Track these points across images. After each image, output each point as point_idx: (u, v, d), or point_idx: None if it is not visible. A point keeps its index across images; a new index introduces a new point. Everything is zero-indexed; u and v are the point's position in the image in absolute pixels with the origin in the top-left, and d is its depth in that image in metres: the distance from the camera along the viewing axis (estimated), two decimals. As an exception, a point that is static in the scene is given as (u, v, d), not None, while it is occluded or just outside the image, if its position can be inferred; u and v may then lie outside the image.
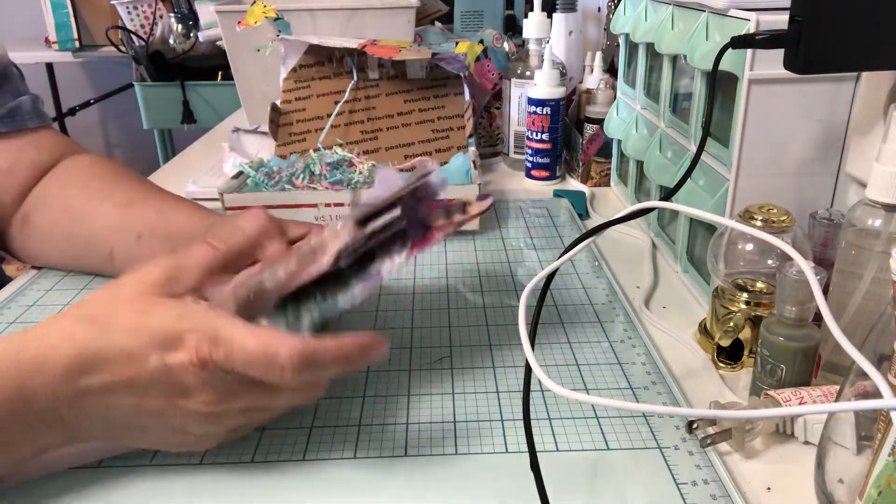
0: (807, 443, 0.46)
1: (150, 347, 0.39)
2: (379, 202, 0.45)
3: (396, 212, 0.45)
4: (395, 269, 0.46)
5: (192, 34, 2.04)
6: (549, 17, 1.00)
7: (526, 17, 0.97)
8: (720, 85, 0.57)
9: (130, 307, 0.41)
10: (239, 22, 0.92)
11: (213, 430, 0.43)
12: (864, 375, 0.33)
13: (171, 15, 2.06)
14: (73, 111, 2.46)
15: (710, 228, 0.62)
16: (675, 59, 0.69)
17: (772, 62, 0.52)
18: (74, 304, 0.42)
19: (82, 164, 0.71)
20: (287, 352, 0.39)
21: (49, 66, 2.50)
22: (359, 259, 0.45)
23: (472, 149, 0.89)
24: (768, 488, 0.43)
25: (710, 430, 0.45)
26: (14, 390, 0.38)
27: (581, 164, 0.95)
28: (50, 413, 0.39)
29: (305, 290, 0.45)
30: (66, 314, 0.41)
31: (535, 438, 0.44)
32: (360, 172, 0.83)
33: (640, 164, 0.81)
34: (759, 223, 0.51)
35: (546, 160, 0.94)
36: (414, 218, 0.47)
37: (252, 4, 0.92)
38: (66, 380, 0.39)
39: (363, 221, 0.45)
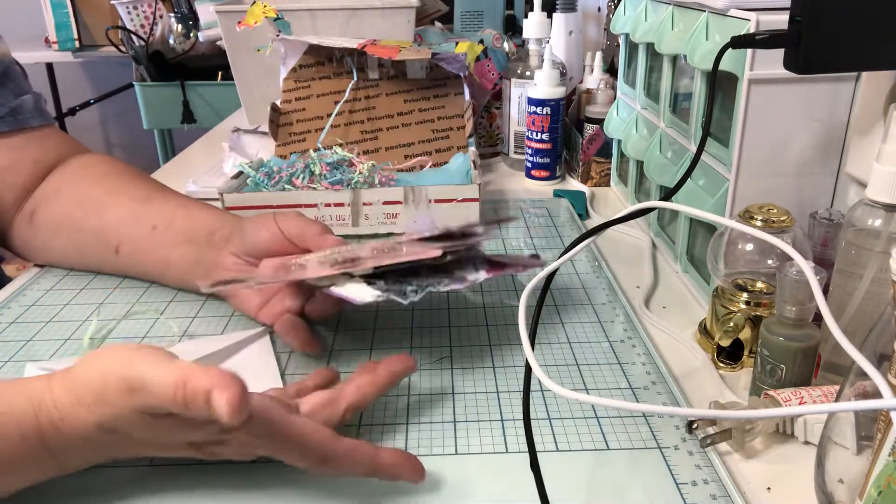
0: (807, 443, 0.46)
1: (118, 390, 0.37)
2: (463, 228, 0.53)
3: (474, 241, 0.53)
4: (476, 282, 0.52)
5: (192, 34, 2.04)
6: (549, 17, 1.00)
7: (526, 17, 0.97)
8: (720, 85, 0.57)
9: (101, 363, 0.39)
10: (239, 22, 0.92)
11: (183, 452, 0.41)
12: (864, 375, 0.33)
13: (171, 15, 2.06)
14: (73, 111, 2.46)
15: (710, 228, 0.62)
16: (675, 59, 0.69)
17: (772, 62, 0.52)
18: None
19: (95, 161, 0.72)
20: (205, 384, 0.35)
21: (49, 66, 2.50)
22: (440, 264, 0.52)
23: (472, 149, 0.89)
24: (768, 488, 0.43)
25: (710, 430, 0.45)
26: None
27: (581, 164, 0.95)
28: (29, 459, 0.39)
29: (384, 272, 0.51)
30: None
31: (535, 438, 0.44)
32: (360, 172, 0.83)
33: (640, 164, 0.81)
34: (759, 223, 0.51)
35: (546, 160, 0.94)
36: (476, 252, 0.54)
37: (252, 4, 0.92)
38: (40, 439, 0.39)
39: (446, 238, 0.52)
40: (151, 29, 2.06)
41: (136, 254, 0.65)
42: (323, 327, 0.60)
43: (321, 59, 0.92)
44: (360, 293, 0.50)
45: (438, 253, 0.50)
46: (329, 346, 0.58)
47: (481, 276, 0.52)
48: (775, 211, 0.52)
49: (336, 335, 0.59)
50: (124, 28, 2.06)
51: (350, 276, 0.52)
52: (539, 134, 0.93)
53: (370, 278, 0.51)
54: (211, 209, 0.66)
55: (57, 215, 0.67)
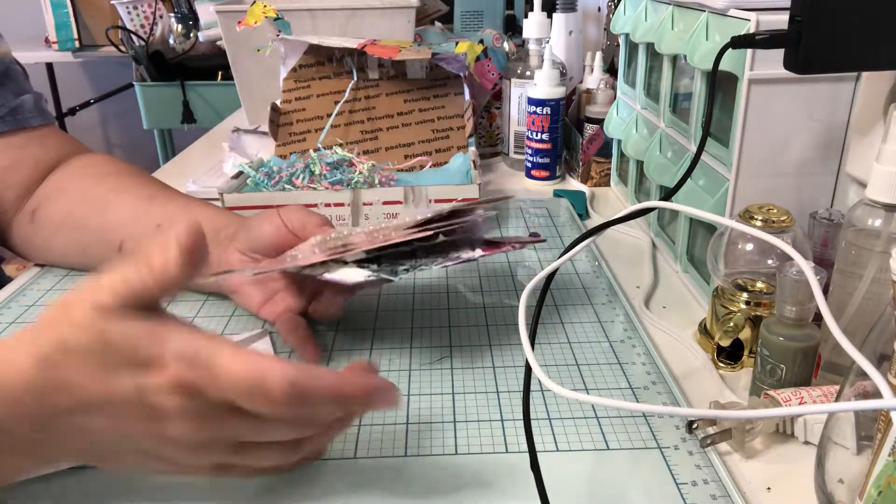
0: (807, 443, 0.46)
1: (121, 367, 0.35)
2: (453, 209, 0.53)
3: (466, 220, 0.52)
4: (470, 259, 0.52)
5: (192, 34, 2.04)
6: (549, 17, 1.00)
7: (526, 17, 0.97)
8: (720, 85, 0.57)
9: (90, 328, 0.35)
10: (239, 22, 0.92)
11: (197, 462, 0.38)
12: (864, 375, 0.33)
13: (171, 15, 2.06)
14: (73, 111, 2.46)
15: (710, 228, 0.62)
16: (675, 59, 0.69)
17: (772, 62, 0.52)
18: (33, 327, 0.36)
19: (96, 161, 0.72)
20: (278, 378, 0.34)
21: (49, 66, 2.50)
22: (434, 245, 0.52)
23: (472, 149, 0.89)
24: (768, 488, 0.43)
25: (710, 430, 0.45)
26: None
27: (581, 164, 0.95)
28: (19, 438, 0.36)
29: (378, 257, 0.51)
30: (26, 338, 0.36)
31: (535, 438, 0.44)
32: (360, 172, 0.83)
33: (640, 164, 0.81)
34: (759, 223, 0.51)
35: (546, 160, 0.94)
36: (471, 231, 0.54)
37: (252, 4, 0.92)
38: (31, 402, 0.35)
39: (441, 219, 0.52)
40: (151, 29, 2.06)
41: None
42: (324, 327, 0.60)
43: (321, 59, 0.92)
44: (352, 275, 0.50)
45: (429, 233, 0.49)
46: (329, 346, 0.58)
47: (477, 253, 0.52)
48: (775, 211, 0.52)
49: (336, 335, 0.59)
50: (124, 28, 2.06)
51: (343, 263, 0.51)
52: (539, 134, 0.93)
53: (363, 262, 0.51)
54: (215, 208, 0.66)
55: (59, 214, 0.67)
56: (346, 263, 0.51)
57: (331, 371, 0.37)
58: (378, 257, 0.51)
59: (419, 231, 0.50)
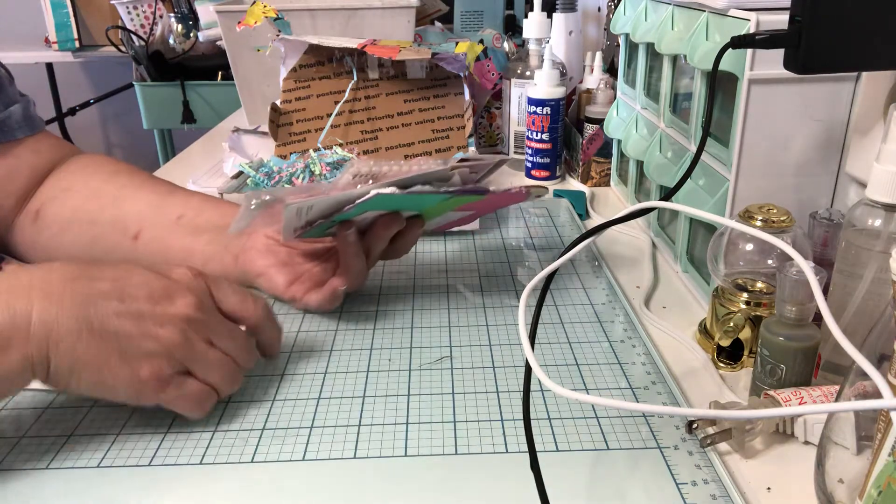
0: (807, 443, 0.46)
1: (144, 269, 0.47)
2: (470, 160, 0.61)
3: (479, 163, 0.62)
4: (478, 191, 0.59)
5: (192, 34, 2.04)
6: (549, 17, 1.00)
7: (526, 17, 0.97)
8: (720, 85, 0.57)
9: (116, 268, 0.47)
10: (239, 22, 0.92)
11: (179, 352, 0.45)
12: (864, 375, 0.33)
13: (171, 15, 2.05)
14: (73, 111, 2.46)
15: (710, 228, 0.62)
16: (675, 59, 0.69)
17: (772, 62, 0.52)
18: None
19: (99, 160, 0.73)
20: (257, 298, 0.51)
21: (49, 66, 2.50)
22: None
23: (472, 149, 0.89)
24: (768, 488, 0.43)
25: (710, 430, 0.45)
26: None
27: (581, 164, 0.95)
28: (19, 302, 0.42)
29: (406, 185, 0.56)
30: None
31: (535, 438, 0.44)
32: (360, 172, 0.83)
33: (640, 164, 0.81)
34: (759, 223, 0.51)
35: (546, 160, 0.94)
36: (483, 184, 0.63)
37: (252, 4, 0.92)
38: (49, 273, 0.44)
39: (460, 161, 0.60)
40: (151, 29, 2.06)
41: (157, 240, 0.66)
42: (324, 327, 0.60)
43: (321, 59, 0.92)
44: (374, 190, 0.55)
45: (448, 167, 0.59)
46: (329, 346, 0.58)
47: (483, 187, 0.61)
48: (775, 211, 0.52)
49: (336, 335, 0.59)
50: (124, 28, 2.06)
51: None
52: (539, 134, 0.93)
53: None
54: (233, 204, 0.69)
55: (67, 211, 0.68)
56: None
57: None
58: (405, 185, 0.56)
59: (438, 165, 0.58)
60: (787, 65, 0.48)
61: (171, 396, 0.46)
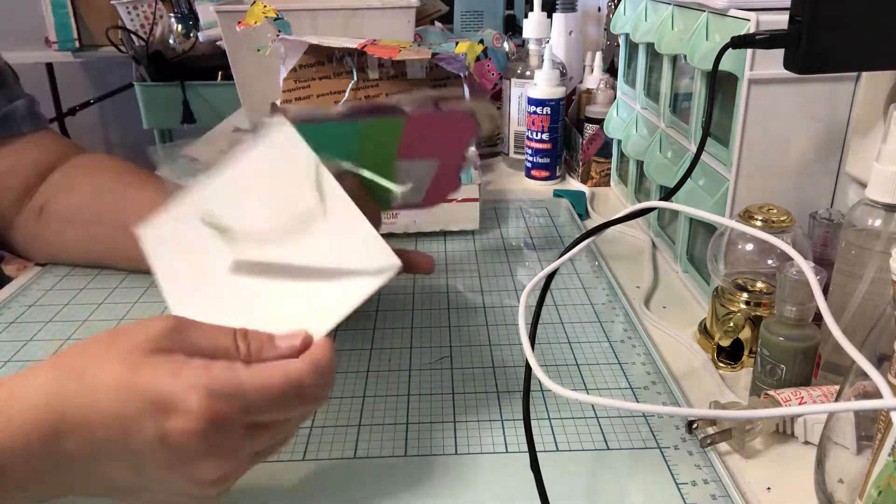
0: (807, 443, 0.46)
1: (143, 412, 0.33)
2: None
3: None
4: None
5: (192, 34, 2.04)
6: (549, 17, 1.00)
7: (526, 17, 0.97)
8: (720, 85, 0.57)
9: (119, 364, 0.34)
10: (239, 22, 0.92)
11: (220, 488, 0.37)
12: (864, 375, 0.33)
13: (171, 15, 2.05)
14: (73, 111, 2.46)
15: (710, 228, 0.62)
16: (675, 59, 0.69)
17: (772, 62, 0.52)
18: (60, 354, 0.36)
19: (102, 159, 0.73)
20: (312, 369, 0.36)
21: (49, 66, 2.50)
22: None
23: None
24: (768, 488, 0.43)
25: (710, 430, 0.45)
26: None
27: (581, 164, 0.95)
28: (29, 480, 0.34)
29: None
30: (47, 366, 0.35)
31: (535, 438, 0.44)
32: (360, 172, 0.83)
33: (640, 164, 0.81)
34: (759, 223, 0.51)
35: (546, 160, 0.94)
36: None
37: (252, 4, 0.92)
38: (45, 449, 0.33)
39: None
40: (151, 29, 2.06)
41: None
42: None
43: (321, 59, 0.92)
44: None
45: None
46: (329, 346, 0.58)
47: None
48: (775, 211, 0.52)
49: (336, 335, 0.59)
50: (124, 28, 2.06)
51: None
52: (539, 134, 0.93)
53: None
54: None
55: (71, 207, 0.68)
56: None
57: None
58: None
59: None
60: (787, 65, 0.48)
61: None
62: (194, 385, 0.33)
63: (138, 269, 0.69)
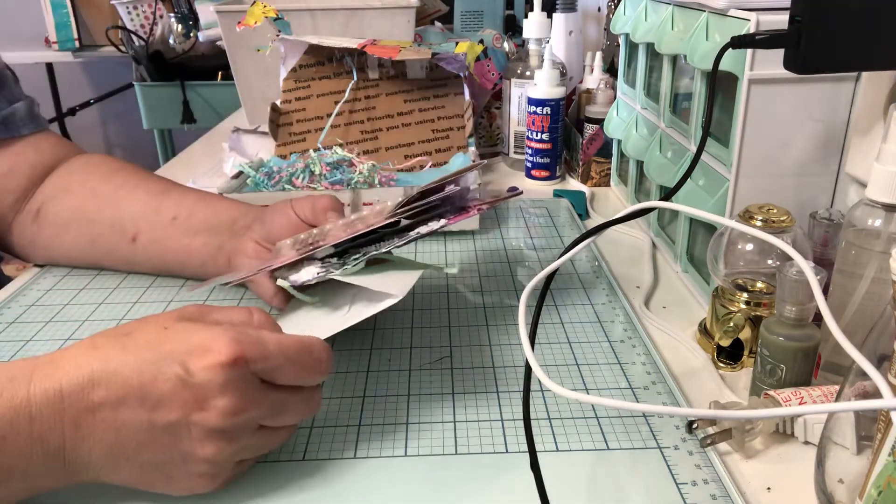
0: (807, 443, 0.46)
1: (170, 358, 0.38)
2: (424, 189, 0.52)
3: (436, 198, 0.52)
4: (432, 231, 0.52)
5: (192, 34, 2.04)
6: (549, 17, 1.00)
7: (526, 17, 0.97)
8: (720, 85, 0.57)
9: (153, 327, 0.40)
10: (239, 22, 0.92)
11: (221, 456, 0.39)
12: (864, 375, 0.33)
13: (171, 15, 2.05)
14: (73, 111, 2.46)
15: (710, 228, 0.62)
16: (675, 59, 0.69)
17: (772, 62, 0.52)
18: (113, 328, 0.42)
19: (99, 160, 0.73)
20: (319, 343, 0.42)
21: (49, 66, 2.50)
22: (399, 228, 0.53)
23: (472, 149, 0.89)
24: (768, 488, 0.43)
25: (710, 430, 0.45)
26: (15, 410, 0.37)
27: (581, 164, 0.95)
28: (52, 435, 0.37)
29: (347, 248, 0.53)
30: (93, 337, 0.41)
31: (535, 438, 0.44)
32: (360, 172, 0.83)
33: (640, 164, 0.81)
34: (759, 223, 0.51)
35: (546, 160, 0.94)
36: (454, 204, 0.54)
37: (252, 4, 0.92)
38: (77, 394, 0.37)
39: (411, 200, 0.51)
40: (151, 29, 2.06)
41: (155, 242, 0.66)
42: (323, 327, 0.60)
43: (321, 59, 0.92)
44: (305, 275, 0.53)
45: (386, 221, 0.51)
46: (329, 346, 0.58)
47: (434, 225, 0.52)
48: (775, 211, 0.52)
49: (336, 335, 0.59)
50: (124, 28, 2.06)
51: (311, 259, 0.54)
52: (539, 134, 0.93)
53: (329, 257, 0.54)
54: (230, 200, 0.68)
55: (67, 210, 0.68)
56: (312, 260, 0.54)
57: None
58: (347, 248, 0.53)
59: (382, 219, 0.52)
60: (787, 65, 0.48)
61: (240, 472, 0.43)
62: (222, 335, 0.39)
63: (136, 271, 0.69)
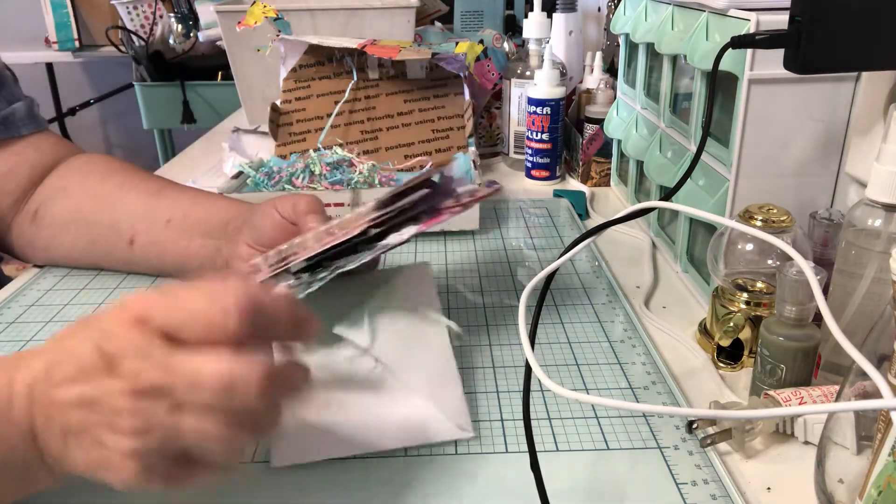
0: (807, 443, 0.46)
1: (91, 322, 0.36)
2: (398, 189, 0.49)
3: (413, 198, 0.48)
4: (403, 240, 0.49)
5: (192, 34, 2.04)
6: (549, 17, 1.00)
7: (526, 17, 0.97)
8: (720, 85, 0.57)
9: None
10: (239, 22, 0.92)
11: (140, 440, 0.33)
12: (864, 375, 0.33)
13: (171, 15, 2.05)
14: (73, 111, 2.46)
15: (710, 228, 0.62)
16: (675, 59, 0.69)
17: (772, 62, 0.52)
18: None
19: (97, 160, 0.73)
20: (232, 292, 0.34)
21: (49, 66, 2.50)
22: (371, 237, 0.50)
23: (472, 149, 0.89)
24: (768, 488, 0.43)
25: (710, 430, 0.45)
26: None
27: (581, 164, 0.95)
28: (26, 429, 0.35)
29: (320, 260, 0.50)
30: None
31: (535, 438, 0.44)
32: (360, 172, 0.83)
33: (640, 164, 0.81)
34: (759, 223, 0.51)
35: (546, 160, 0.94)
36: (428, 204, 0.50)
37: (252, 4, 0.92)
38: (43, 382, 0.35)
39: (381, 206, 0.48)
40: (151, 29, 2.06)
41: (153, 245, 0.65)
42: (323, 327, 0.60)
43: (321, 59, 0.92)
44: (300, 294, 0.49)
45: (356, 231, 0.47)
46: (329, 346, 0.58)
47: (406, 234, 0.48)
48: (775, 211, 0.52)
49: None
50: (124, 28, 2.06)
51: (286, 273, 0.51)
52: (539, 134, 0.93)
53: (302, 271, 0.51)
54: (222, 199, 0.67)
55: (65, 212, 0.68)
56: (287, 273, 0.51)
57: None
58: (320, 261, 0.50)
59: (352, 228, 0.48)
60: (787, 65, 0.48)
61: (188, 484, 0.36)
62: (131, 299, 0.35)
63: (135, 271, 0.69)
